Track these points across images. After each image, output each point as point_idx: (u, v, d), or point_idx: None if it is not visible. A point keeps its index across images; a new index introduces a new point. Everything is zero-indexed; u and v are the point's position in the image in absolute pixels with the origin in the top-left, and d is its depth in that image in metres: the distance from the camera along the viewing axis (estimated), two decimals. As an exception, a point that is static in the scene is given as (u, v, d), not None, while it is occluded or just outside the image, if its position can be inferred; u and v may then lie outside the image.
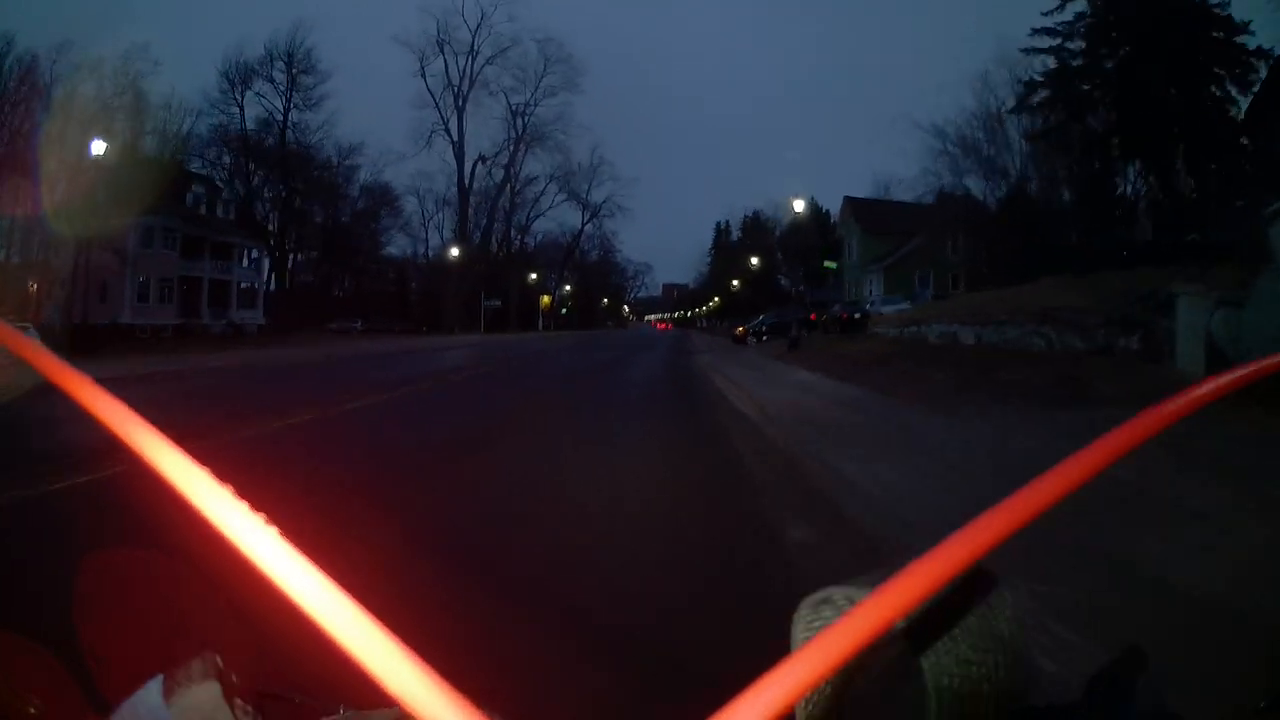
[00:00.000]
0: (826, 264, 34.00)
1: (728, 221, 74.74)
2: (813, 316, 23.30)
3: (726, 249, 70.47)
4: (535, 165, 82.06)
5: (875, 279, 38.72)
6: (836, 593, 0.31)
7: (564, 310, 73.94)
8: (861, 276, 40.97)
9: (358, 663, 0.18)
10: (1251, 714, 0.37)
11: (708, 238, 79.52)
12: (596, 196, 63.43)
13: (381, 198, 50.95)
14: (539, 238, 64.99)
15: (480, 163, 55.63)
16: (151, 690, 0.37)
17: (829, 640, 0.18)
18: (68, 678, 0.51)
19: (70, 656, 0.52)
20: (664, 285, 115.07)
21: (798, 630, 0.32)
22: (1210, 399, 0.23)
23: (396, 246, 57.51)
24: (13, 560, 2.57)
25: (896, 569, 0.19)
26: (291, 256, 45.78)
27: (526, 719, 0.33)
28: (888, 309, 25.79)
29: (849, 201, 45.74)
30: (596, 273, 76.63)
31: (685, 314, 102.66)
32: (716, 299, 70.83)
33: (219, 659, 0.38)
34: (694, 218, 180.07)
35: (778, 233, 58.67)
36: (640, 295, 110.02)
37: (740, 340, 25.84)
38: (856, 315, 23.38)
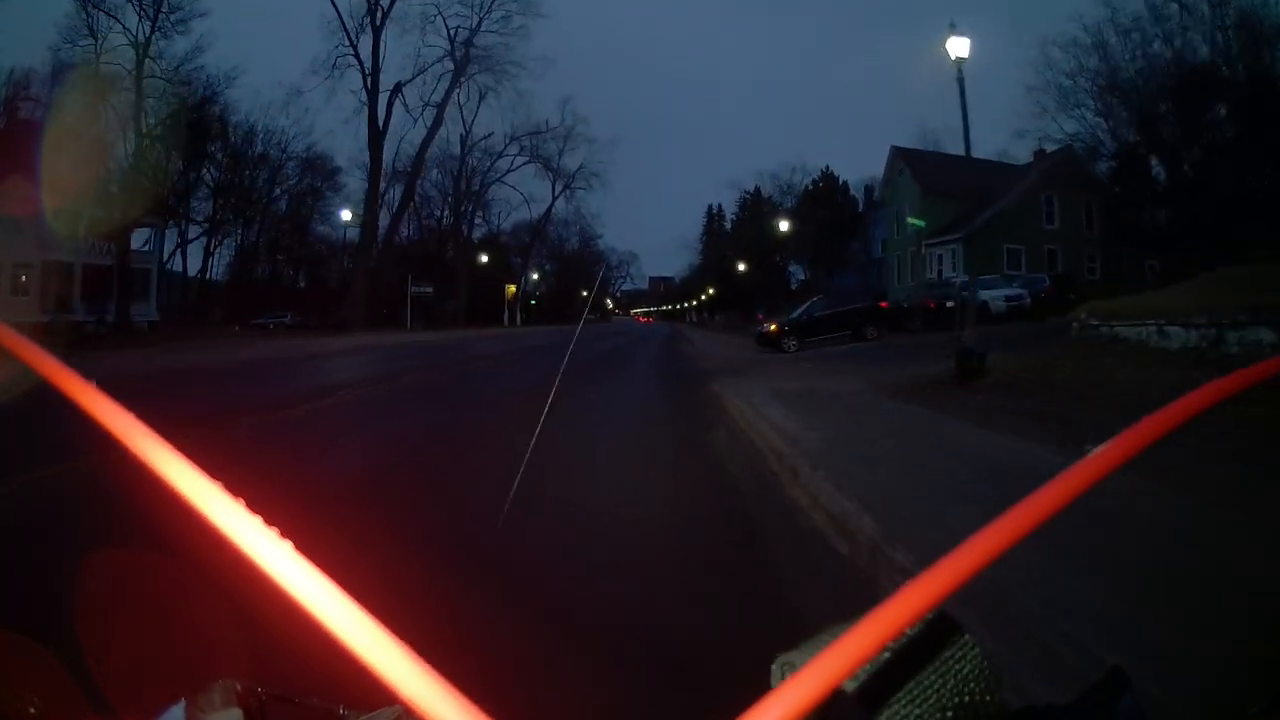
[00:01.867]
0: (912, 221, 23.48)
1: (720, 206, 65.12)
2: (883, 305, 16.86)
3: (720, 235, 62.29)
4: (491, 119, 70.98)
5: (948, 254, 28.71)
6: (802, 655, 0.29)
7: (533, 301, 62.69)
8: (922, 252, 30.84)
9: (361, 663, 0.18)
10: (1251, 714, 0.37)
11: (697, 228, 70.33)
12: (570, 163, 51.70)
13: (316, 169, 41.70)
14: (503, 215, 54.47)
15: (397, 94, 40.82)
16: (173, 717, 0.37)
17: (768, 709, 0.17)
18: (68, 678, 0.51)
19: (70, 656, 0.52)
20: (651, 278, 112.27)
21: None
22: (1207, 404, 0.22)
23: (353, 231, 46.90)
24: (13, 561, 2.57)
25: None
26: (178, 230, 36.60)
27: (527, 718, 0.33)
28: (990, 295, 18.51)
29: (900, 154, 33.97)
30: (577, 261, 67.52)
31: (674, 307, 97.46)
32: (711, 289, 62.67)
33: (238, 684, 0.39)
34: (682, 209, 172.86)
35: (785, 206, 47.86)
36: (626, 288, 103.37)
37: (772, 342, 16.58)
38: (948, 304, 17.10)
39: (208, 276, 39.27)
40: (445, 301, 45.59)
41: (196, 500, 0.20)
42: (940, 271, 28.12)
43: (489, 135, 48.45)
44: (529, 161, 50.70)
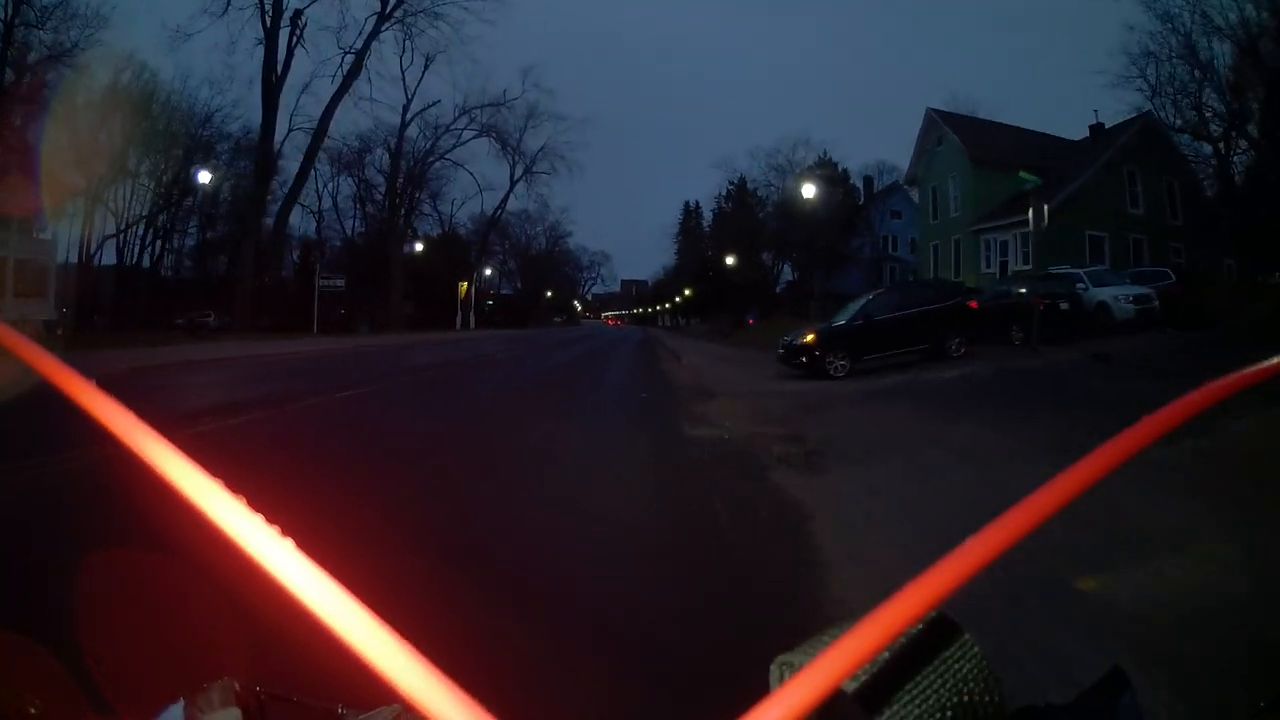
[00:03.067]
0: (1025, 176, 16.29)
1: (698, 202, 58.76)
2: (974, 305, 11.79)
3: (697, 234, 57.02)
4: (440, 90, 65.40)
5: (1013, 241, 22.05)
6: (801, 656, 0.29)
7: (490, 302, 55.10)
8: (971, 239, 24.11)
9: (361, 661, 0.18)
10: (1251, 714, 0.37)
11: (673, 229, 64.14)
12: (534, 144, 44.82)
13: (251, 152, 35.00)
14: (459, 205, 46.83)
15: (298, 27, 32.27)
16: (172, 716, 0.37)
17: (769, 709, 0.18)
18: (68, 678, 0.51)
19: (70, 656, 0.52)
20: (623, 281, 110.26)
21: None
22: (1207, 405, 0.22)
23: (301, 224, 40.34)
24: (13, 561, 2.57)
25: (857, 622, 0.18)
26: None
27: (527, 718, 0.33)
28: (1110, 295, 13.48)
29: (940, 119, 26.94)
30: (544, 260, 62.08)
31: (646, 310, 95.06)
32: (688, 290, 57.64)
33: (237, 684, 0.39)
34: (658, 210, 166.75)
35: (771, 203, 41.04)
36: (597, 290, 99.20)
37: (808, 361, 11.02)
38: (1063, 306, 12.70)
39: (130, 268, 33.14)
40: (389, 300, 39.16)
41: (197, 499, 0.20)
42: (1005, 263, 21.64)
43: (435, 104, 40.60)
44: (478, 135, 42.53)
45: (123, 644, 1.43)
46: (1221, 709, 1.38)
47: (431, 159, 41.76)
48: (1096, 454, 0.21)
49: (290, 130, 34.40)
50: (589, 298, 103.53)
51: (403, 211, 41.03)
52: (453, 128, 41.52)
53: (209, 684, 0.38)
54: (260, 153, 31.22)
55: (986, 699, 0.29)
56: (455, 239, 47.17)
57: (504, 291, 60.77)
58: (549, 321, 69.40)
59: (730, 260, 40.49)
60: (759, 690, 0.19)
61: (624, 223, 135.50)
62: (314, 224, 41.43)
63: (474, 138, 42.70)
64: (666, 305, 75.78)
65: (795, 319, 27.21)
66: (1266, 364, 0.25)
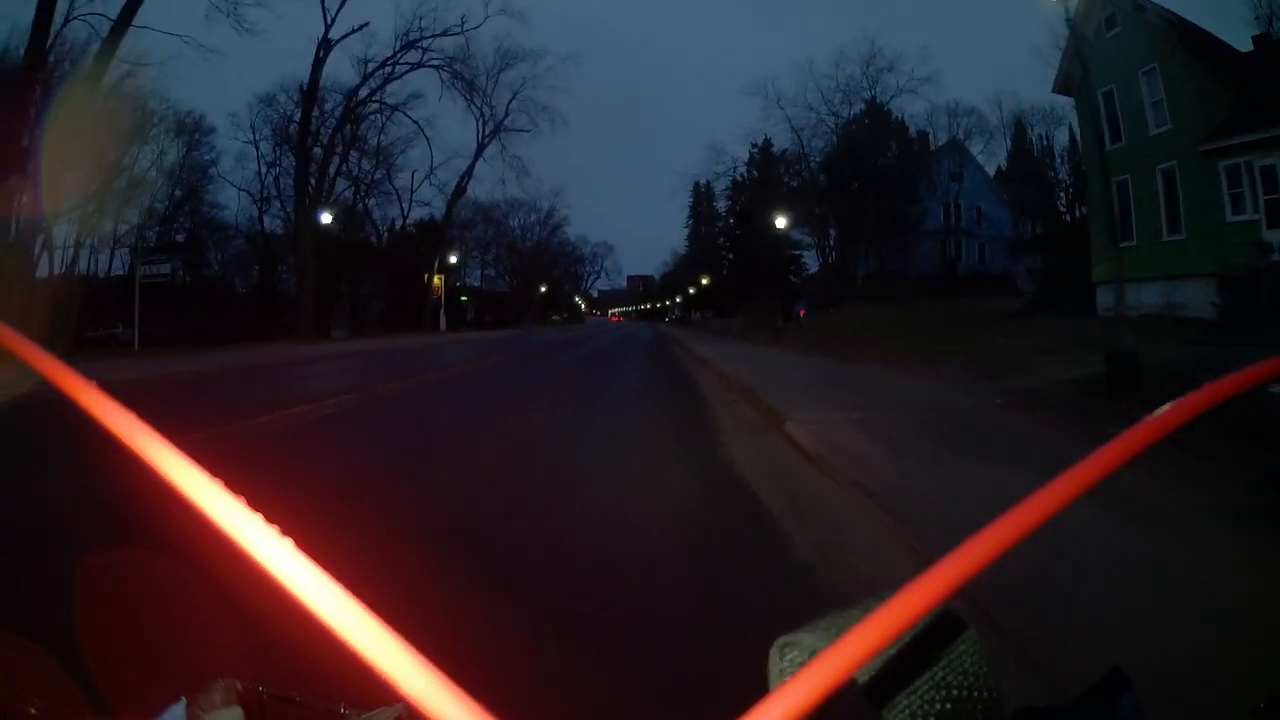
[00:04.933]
0: None
1: (708, 183, 50.69)
2: None
3: (710, 218, 52.05)
4: (381, 18, 49.41)
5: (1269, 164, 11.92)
6: (804, 637, 0.30)
7: (464, 298, 47.03)
8: (1200, 166, 13.09)
9: (363, 662, 0.18)
10: (1251, 714, 0.37)
11: (680, 220, 59.07)
12: (506, 94, 34.98)
13: (184, 129, 28.52)
14: (419, 179, 37.64)
15: None
16: (173, 716, 0.37)
17: (781, 699, 0.18)
18: (68, 678, 0.51)
19: (70, 656, 0.52)
20: (629, 277, 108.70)
21: (772, 678, 0.30)
22: (1208, 405, 0.22)
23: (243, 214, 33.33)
24: (13, 561, 2.57)
25: (862, 608, 0.19)
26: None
27: (529, 718, 0.33)
28: None
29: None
30: (540, 252, 56.45)
31: (655, 306, 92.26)
32: (706, 279, 51.98)
33: (239, 683, 0.39)
34: (664, 202, 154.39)
35: (810, 163, 32.89)
36: (603, 286, 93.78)
37: None
38: None
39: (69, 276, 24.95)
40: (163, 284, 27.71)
41: (197, 499, 0.20)
42: (1277, 204, 12.19)
43: (362, 27, 28.77)
44: (416, 67, 31.47)
45: (123, 644, 1.43)
46: (1221, 709, 1.38)
47: (360, 99, 30.34)
48: (1099, 453, 0.21)
49: (70, 19, 19.38)
50: (593, 293, 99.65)
51: (313, 173, 29.49)
52: (391, 61, 30.58)
53: (211, 683, 0.38)
54: (29, 64, 17.67)
55: (990, 696, 0.29)
56: (434, 228, 39.24)
57: (498, 289, 54.72)
58: (546, 320, 62.42)
59: (781, 222, 28.59)
60: (762, 671, 0.19)
61: (629, 217, 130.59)
62: (259, 214, 33.23)
63: (409, 71, 31.54)
64: (678, 299, 69.12)
65: (880, 303, 21.75)
66: (1266, 364, 0.25)
